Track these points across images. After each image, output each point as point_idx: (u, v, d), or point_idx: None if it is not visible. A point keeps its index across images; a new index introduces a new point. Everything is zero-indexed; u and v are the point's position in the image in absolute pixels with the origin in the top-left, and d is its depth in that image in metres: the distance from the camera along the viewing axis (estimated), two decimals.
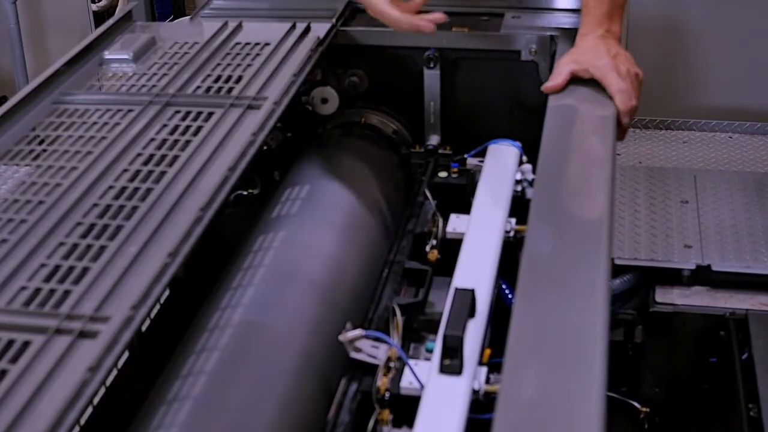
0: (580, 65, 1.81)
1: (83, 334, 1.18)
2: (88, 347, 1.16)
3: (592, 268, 1.36)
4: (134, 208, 1.43)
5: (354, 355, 1.47)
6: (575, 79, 1.82)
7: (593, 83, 1.81)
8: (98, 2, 4.34)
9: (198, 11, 2.27)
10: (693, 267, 2.27)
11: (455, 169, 1.98)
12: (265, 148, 1.92)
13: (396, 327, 1.52)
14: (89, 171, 1.53)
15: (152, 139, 1.63)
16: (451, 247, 1.69)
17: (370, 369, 1.45)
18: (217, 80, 1.83)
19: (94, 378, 1.13)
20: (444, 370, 1.34)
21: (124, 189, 1.48)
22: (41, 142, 1.64)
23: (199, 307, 1.55)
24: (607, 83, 1.79)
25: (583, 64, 1.81)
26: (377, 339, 1.48)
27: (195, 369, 1.38)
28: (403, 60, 2.12)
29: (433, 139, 2.16)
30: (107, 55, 1.94)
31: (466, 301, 1.43)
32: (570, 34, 2.02)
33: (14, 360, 1.15)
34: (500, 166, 1.85)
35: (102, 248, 1.34)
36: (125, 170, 1.53)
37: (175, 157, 1.57)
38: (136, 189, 1.48)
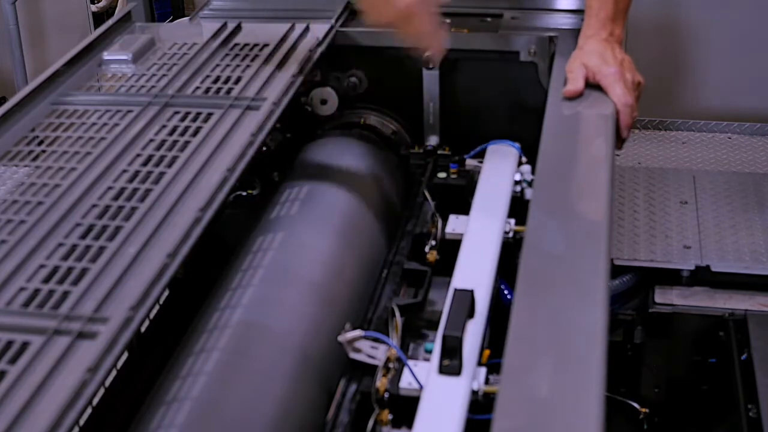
0: (588, 69, 1.80)
1: (82, 335, 1.18)
2: (87, 348, 1.16)
3: (591, 268, 1.36)
4: (133, 209, 1.43)
5: (353, 355, 1.47)
6: None
7: (593, 84, 1.81)
8: (97, 3, 4.35)
9: (197, 12, 2.28)
10: (692, 267, 2.26)
11: (454, 170, 1.98)
12: (264, 148, 1.92)
13: (395, 327, 1.52)
14: (88, 172, 1.53)
15: (151, 140, 1.63)
16: (451, 248, 1.69)
17: (370, 369, 1.45)
18: (216, 81, 1.84)
19: (93, 379, 1.13)
20: (443, 370, 1.34)
21: (123, 190, 1.48)
22: (40, 143, 1.64)
23: (198, 307, 1.55)
24: (613, 94, 1.78)
25: (591, 68, 1.80)
26: (376, 339, 1.48)
27: (194, 369, 1.38)
28: (402, 61, 2.12)
29: (433, 140, 2.16)
30: (106, 55, 1.94)
31: (466, 301, 1.43)
32: (569, 35, 2.01)
33: (13, 361, 1.15)
34: (499, 166, 1.84)
35: (101, 249, 1.34)
36: (124, 171, 1.53)
37: (174, 158, 1.57)
38: (136, 190, 1.48)
